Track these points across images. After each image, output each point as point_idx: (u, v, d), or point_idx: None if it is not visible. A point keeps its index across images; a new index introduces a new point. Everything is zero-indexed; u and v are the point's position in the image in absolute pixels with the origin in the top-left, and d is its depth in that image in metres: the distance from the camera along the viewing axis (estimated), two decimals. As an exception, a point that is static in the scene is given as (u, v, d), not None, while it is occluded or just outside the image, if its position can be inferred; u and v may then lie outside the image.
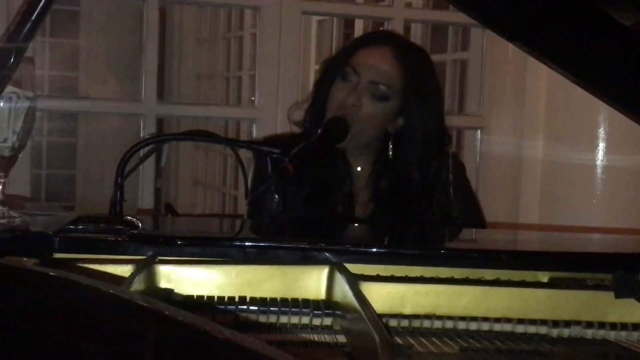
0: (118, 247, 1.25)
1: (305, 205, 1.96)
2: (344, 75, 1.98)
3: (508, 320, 1.14)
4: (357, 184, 2.03)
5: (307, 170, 1.87)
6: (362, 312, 0.97)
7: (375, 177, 2.02)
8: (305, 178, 1.93)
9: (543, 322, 1.14)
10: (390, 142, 2.01)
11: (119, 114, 3.70)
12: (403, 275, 1.23)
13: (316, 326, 1.12)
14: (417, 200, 2.01)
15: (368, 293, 1.08)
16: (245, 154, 2.48)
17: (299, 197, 1.95)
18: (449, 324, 1.13)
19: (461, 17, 2.86)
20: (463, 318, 1.14)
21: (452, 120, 3.46)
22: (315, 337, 1.09)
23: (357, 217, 2.01)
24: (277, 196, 1.89)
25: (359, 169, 2.04)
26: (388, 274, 1.23)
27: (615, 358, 1.07)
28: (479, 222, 2.10)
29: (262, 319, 1.12)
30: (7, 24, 1.22)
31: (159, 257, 1.21)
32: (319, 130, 1.89)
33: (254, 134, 2.92)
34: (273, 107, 2.87)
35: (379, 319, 0.94)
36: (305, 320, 1.12)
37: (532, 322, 1.14)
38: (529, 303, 1.17)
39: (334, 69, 2.02)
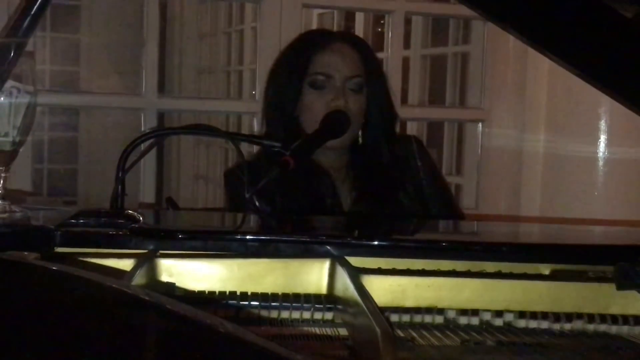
0: (119, 241, 1.25)
1: (292, 211, 1.95)
2: (314, 83, 1.97)
3: (510, 312, 1.14)
4: (336, 180, 2.02)
5: (285, 183, 1.88)
6: (364, 306, 0.97)
7: (352, 169, 2.03)
8: (287, 191, 1.93)
9: (544, 314, 1.14)
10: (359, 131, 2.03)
11: (120, 108, 3.69)
12: (404, 268, 1.23)
13: (318, 320, 1.12)
14: (393, 183, 2.02)
15: (369, 286, 1.08)
16: (246, 148, 2.48)
17: (284, 207, 1.94)
18: (451, 317, 1.13)
19: (462, 10, 2.86)
20: (465, 311, 1.14)
21: (454, 113, 3.48)
22: (317, 330, 1.09)
23: (344, 211, 2.00)
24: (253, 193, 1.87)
25: (333, 167, 2.03)
26: (389, 267, 1.23)
27: (617, 350, 1.07)
28: (450, 203, 2.13)
29: (264, 313, 1.12)
30: (8, 18, 1.22)
31: (160, 251, 1.21)
32: (320, 125, 1.89)
33: (255, 128, 2.92)
34: (274, 101, 2.86)
35: (380, 312, 0.94)
36: (306, 314, 1.13)
37: (534, 314, 1.14)
38: (530, 295, 1.17)
39: (294, 82, 2.00)
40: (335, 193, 2.00)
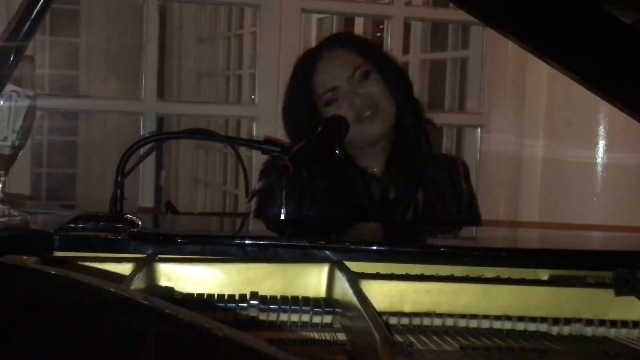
0: (118, 246, 1.25)
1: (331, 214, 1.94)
2: (328, 102, 1.95)
3: (508, 318, 1.14)
4: (376, 177, 2.01)
5: (324, 185, 1.88)
6: (362, 310, 0.97)
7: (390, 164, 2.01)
8: (325, 194, 1.92)
9: (543, 319, 1.14)
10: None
11: (119, 112, 3.71)
12: (403, 273, 1.23)
13: (316, 324, 1.12)
14: (422, 162, 2.00)
15: (368, 291, 1.08)
16: (245, 152, 2.48)
17: (324, 210, 1.93)
18: (449, 322, 1.13)
19: (461, 15, 2.85)
20: (463, 316, 1.14)
21: (452, 118, 3.48)
22: (316, 334, 1.09)
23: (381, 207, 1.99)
24: (282, 195, 1.88)
25: (373, 169, 2.02)
26: (388, 272, 1.23)
27: (616, 356, 1.07)
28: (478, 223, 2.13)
29: (262, 316, 1.12)
30: (7, 22, 1.22)
31: (159, 256, 1.21)
32: (319, 129, 1.89)
33: (255, 132, 2.92)
34: (273, 106, 2.87)
35: (379, 317, 0.94)
36: (305, 318, 1.12)
37: (532, 319, 1.14)
38: (529, 301, 1.17)
39: (311, 104, 1.99)
40: (370, 190, 1.98)
